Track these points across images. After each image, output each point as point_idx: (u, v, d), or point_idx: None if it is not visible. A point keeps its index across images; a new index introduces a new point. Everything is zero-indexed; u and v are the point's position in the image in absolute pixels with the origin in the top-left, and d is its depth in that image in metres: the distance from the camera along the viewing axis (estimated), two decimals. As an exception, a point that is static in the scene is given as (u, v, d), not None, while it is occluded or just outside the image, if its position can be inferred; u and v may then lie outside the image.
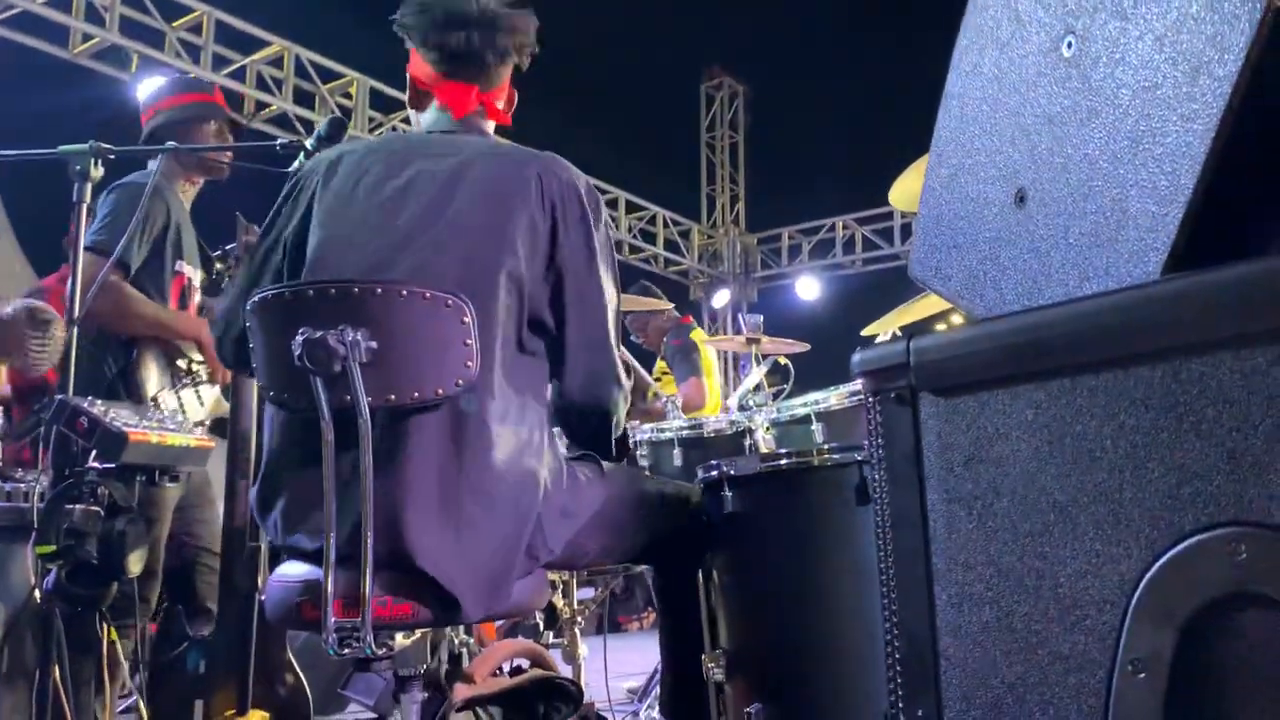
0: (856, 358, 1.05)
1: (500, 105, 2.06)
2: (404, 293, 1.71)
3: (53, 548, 2.25)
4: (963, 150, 1.17)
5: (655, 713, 3.15)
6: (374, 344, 1.68)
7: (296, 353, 1.64)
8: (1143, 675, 0.82)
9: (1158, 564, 0.82)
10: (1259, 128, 0.84)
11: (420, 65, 2.04)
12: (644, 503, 2.04)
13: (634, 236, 11.78)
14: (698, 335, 5.16)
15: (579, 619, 2.74)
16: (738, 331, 3.49)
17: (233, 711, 2.48)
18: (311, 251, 1.85)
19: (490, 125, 2.08)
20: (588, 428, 1.98)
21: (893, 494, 1.01)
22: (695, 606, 2.10)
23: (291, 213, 1.94)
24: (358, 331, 1.66)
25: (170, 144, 2.76)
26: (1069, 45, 1.01)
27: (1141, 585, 0.82)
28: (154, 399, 2.88)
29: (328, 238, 1.85)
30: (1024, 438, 0.91)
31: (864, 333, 3.17)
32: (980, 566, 0.94)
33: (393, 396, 1.71)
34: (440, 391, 1.71)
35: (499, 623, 3.35)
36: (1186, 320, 0.81)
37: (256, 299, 1.78)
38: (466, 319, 1.72)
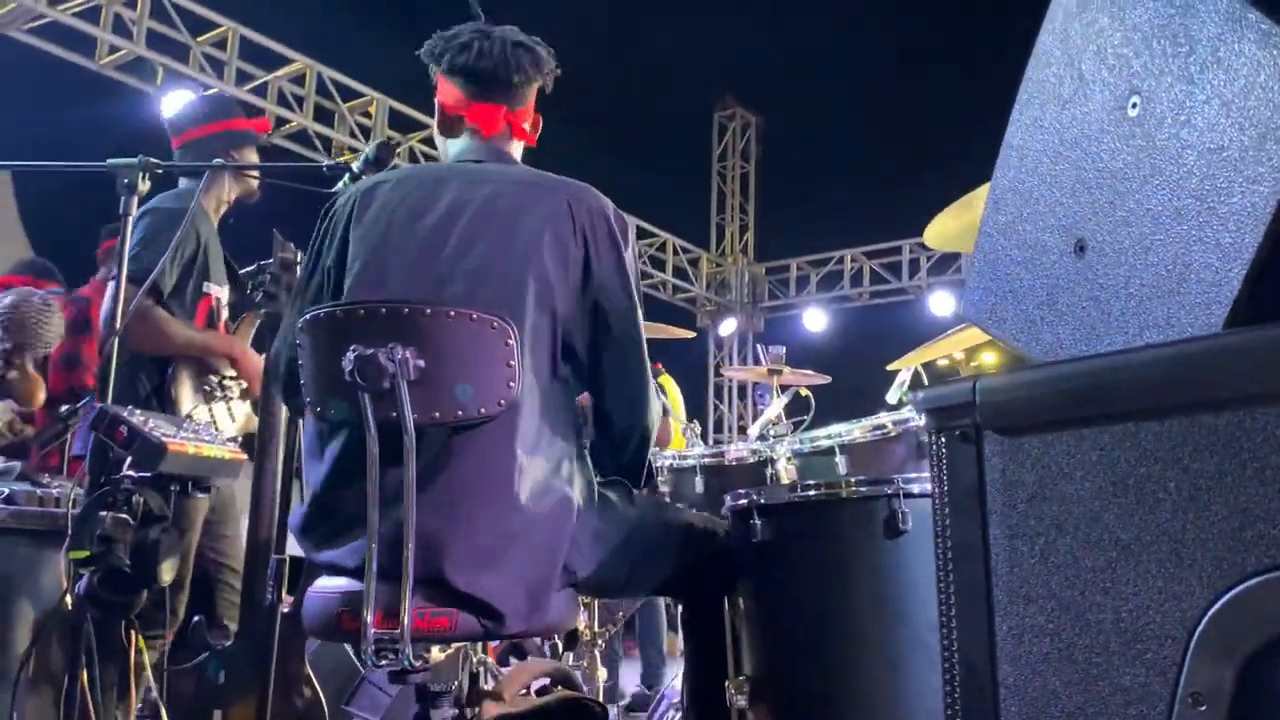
0: (920, 395, 1.10)
1: (526, 127, 2.13)
2: (452, 313, 1.76)
3: (86, 553, 2.28)
4: (1021, 199, 1.22)
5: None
6: (421, 362, 1.73)
7: (348, 368, 1.69)
8: (1203, 708, 0.86)
9: (1220, 601, 0.86)
10: (1323, 192, 0.89)
11: (449, 91, 2.11)
12: (673, 531, 2.07)
13: (643, 263, 11.86)
14: (664, 380, 5.34)
15: (599, 642, 2.77)
16: (756, 361, 3.55)
17: (251, 722, 2.50)
18: (351, 280, 1.91)
19: (517, 147, 2.14)
20: (625, 452, 2.02)
21: (954, 527, 1.05)
22: (721, 638, 2.13)
23: (330, 245, 1.99)
24: (407, 349, 1.72)
25: (217, 160, 2.82)
26: (1134, 105, 1.06)
27: (1204, 621, 0.87)
28: (188, 415, 2.92)
29: (365, 268, 1.91)
30: (1088, 478, 0.95)
31: (889, 367, 3.22)
32: (1041, 600, 0.98)
33: (438, 414, 1.76)
34: (483, 410, 1.76)
35: (495, 644, 3.38)
36: (1252, 371, 0.86)
37: (308, 316, 1.83)
38: (511, 341, 1.77)
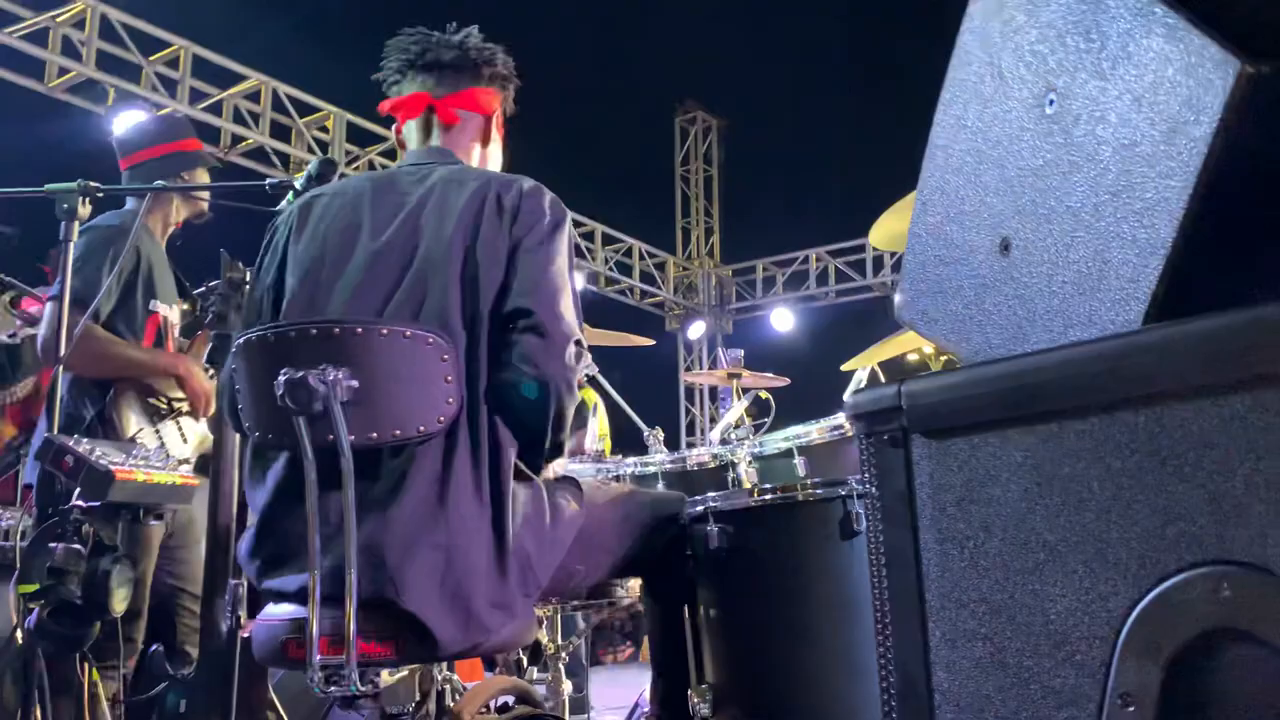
0: (848, 400, 1.09)
1: (460, 113, 2.08)
2: (384, 331, 1.73)
3: (35, 586, 2.24)
4: (948, 199, 1.22)
5: (638, 747, 3.15)
6: (355, 383, 1.70)
7: (279, 392, 1.66)
8: (1132, 709, 0.85)
9: (1145, 601, 0.85)
10: (1234, 184, 0.89)
11: (389, 100, 2.12)
12: (628, 517, 2.06)
13: (610, 268, 11.84)
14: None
15: (563, 655, 2.75)
16: (716, 365, 3.54)
17: (214, 751, 2.45)
18: (286, 300, 1.88)
19: (463, 139, 2.10)
20: (521, 414, 1.83)
21: (886, 532, 1.04)
22: (683, 617, 2.11)
23: (270, 263, 1.97)
24: (339, 371, 1.69)
25: (159, 183, 2.78)
26: (1050, 102, 1.06)
27: (1129, 621, 0.86)
28: (133, 438, 2.87)
29: (300, 287, 1.88)
30: (1014, 479, 0.95)
31: (843, 368, 3.22)
32: (973, 604, 0.97)
33: (375, 434, 1.72)
34: (422, 429, 1.73)
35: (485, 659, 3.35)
36: (1169, 368, 0.86)
37: (240, 341, 1.80)
38: (447, 356, 1.75)
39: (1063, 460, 0.92)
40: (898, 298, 1.30)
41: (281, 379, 1.66)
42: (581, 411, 1.91)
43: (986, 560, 0.96)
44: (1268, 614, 0.78)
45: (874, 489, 1.04)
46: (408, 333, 1.74)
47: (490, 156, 2.16)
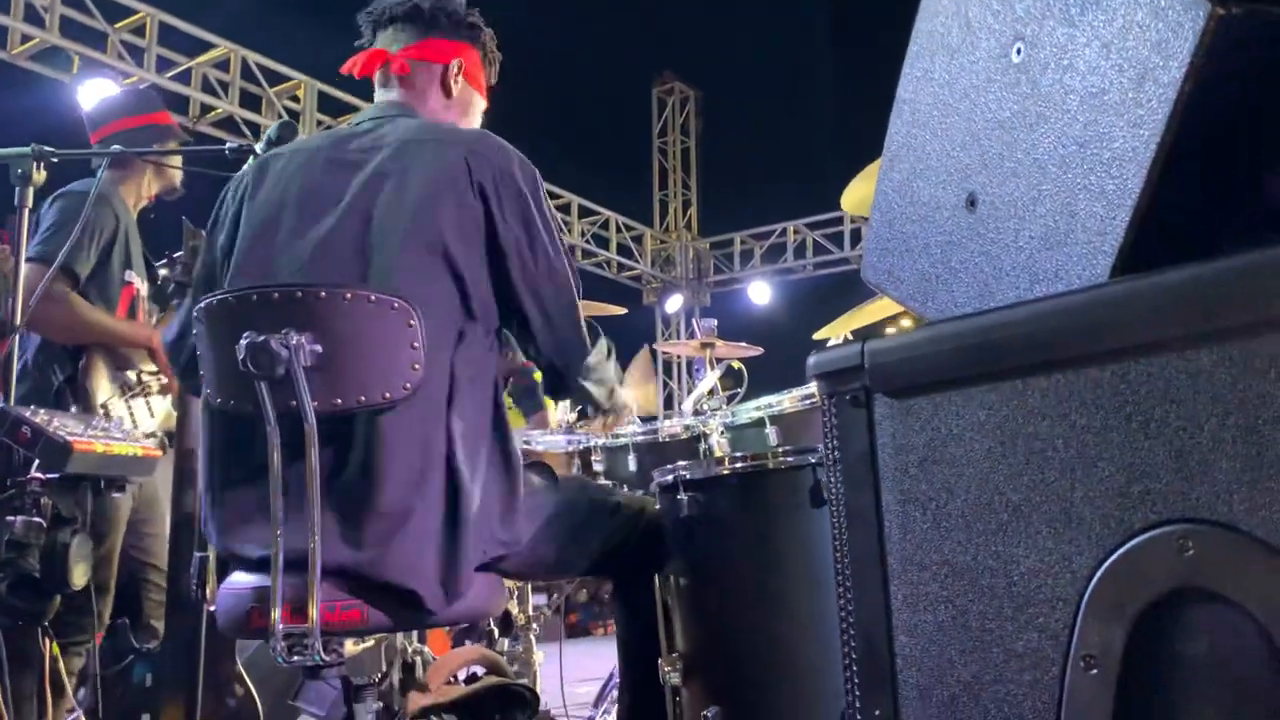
0: (811, 360, 1.06)
1: (414, 63, 2.04)
2: (348, 295, 1.69)
3: (-8, 559, 2.20)
4: (914, 155, 1.18)
5: (612, 718, 3.14)
6: (318, 348, 1.66)
7: (240, 356, 1.62)
8: (1095, 671, 0.83)
9: (1109, 561, 0.83)
10: (1203, 132, 0.86)
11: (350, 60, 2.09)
12: (599, 510, 2.03)
13: (587, 241, 11.79)
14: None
15: (534, 625, 2.73)
16: (691, 336, 3.52)
17: (181, 725, 2.43)
18: (235, 259, 1.83)
19: (423, 90, 2.05)
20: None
21: (848, 495, 1.01)
22: (653, 615, 2.10)
23: (223, 225, 1.92)
24: (302, 335, 1.65)
25: (116, 147, 2.72)
26: (1018, 51, 1.03)
27: (1093, 582, 0.84)
28: (103, 406, 2.82)
29: (252, 249, 1.83)
30: (977, 439, 0.92)
31: (816, 336, 3.20)
32: (935, 566, 0.95)
33: (339, 400, 1.69)
34: (387, 395, 1.70)
35: (450, 630, 3.33)
36: (1134, 322, 0.83)
37: (202, 305, 1.76)
38: (413, 322, 1.71)
39: (1027, 418, 0.89)
40: (864, 258, 1.27)
41: (243, 343, 1.62)
42: (536, 394, 1.94)
43: (949, 522, 0.94)
44: (1233, 572, 0.76)
45: (835, 450, 1.01)
46: (372, 297, 1.70)
47: (457, 107, 2.09)
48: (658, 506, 2.16)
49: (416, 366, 1.71)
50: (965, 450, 0.93)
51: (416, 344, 1.71)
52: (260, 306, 1.69)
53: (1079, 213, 0.95)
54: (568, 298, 1.90)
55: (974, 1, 1.10)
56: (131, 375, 2.92)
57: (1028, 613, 0.88)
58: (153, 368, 2.96)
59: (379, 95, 2.07)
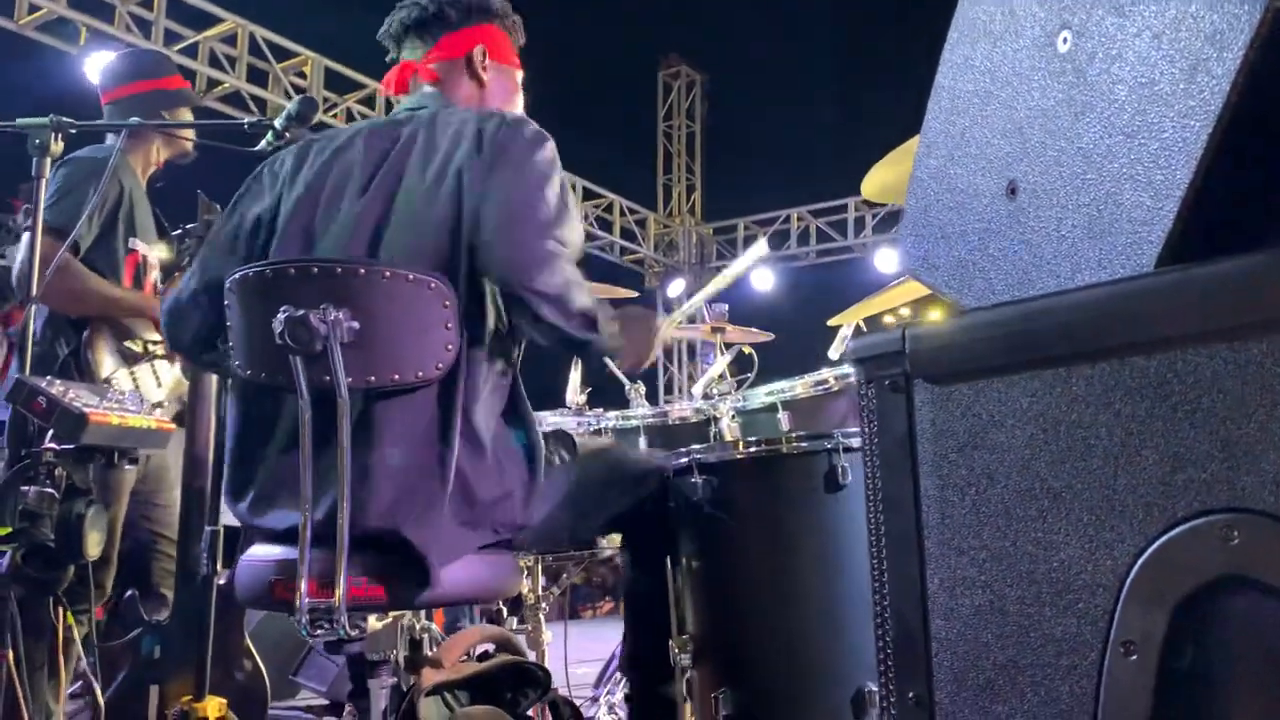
0: (850, 344, 1.06)
1: (438, 66, 2.04)
2: (388, 274, 1.70)
3: (8, 529, 2.20)
4: (952, 142, 1.19)
5: (616, 698, 3.16)
6: (355, 324, 1.66)
7: (278, 330, 1.62)
8: (1134, 657, 0.84)
9: (1151, 548, 0.84)
10: (1255, 125, 0.87)
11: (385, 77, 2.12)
12: (615, 475, 2.05)
13: (590, 224, 11.77)
14: None
15: (543, 605, 2.74)
16: (702, 320, 3.52)
17: (189, 697, 2.44)
18: (278, 239, 1.84)
19: (454, 86, 2.05)
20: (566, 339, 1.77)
21: (885, 479, 1.02)
22: (663, 594, 2.11)
23: (259, 196, 1.92)
24: (340, 311, 1.65)
25: (134, 119, 2.71)
26: (1064, 40, 1.03)
27: (1135, 569, 0.85)
28: (107, 380, 2.82)
29: (288, 224, 1.84)
30: (1019, 425, 0.93)
31: (830, 323, 3.20)
32: (973, 551, 0.95)
33: (373, 378, 1.70)
34: (420, 374, 1.71)
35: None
36: (1183, 311, 0.83)
37: (237, 276, 1.76)
38: (449, 303, 1.71)
39: (1070, 406, 0.90)
40: (899, 244, 1.27)
41: (281, 316, 1.62)
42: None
43: (988, 507, 0.94)
44: (1279, 561, 0.77)
45: (873, 434, 1.02)
46: (410, 276, 1.70)
47: (495, 91, 2.08)
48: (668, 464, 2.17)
49: (450, 347, 1.72)
50: (1007, 437, 0.93)
51: (450, 324, 1.72)
52: (298, 281, 1.69)
53: (1124, 203, 0.95)
54: (563, 260, 1.73)
55: (1019, -11, 1.10)
56: (135, 345, 2.91)
57: (1067, 598, 0.89)
58: (156, 336, 2.96)
59: (415, 94, 2.08)
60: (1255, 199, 0.91)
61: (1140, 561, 0.84)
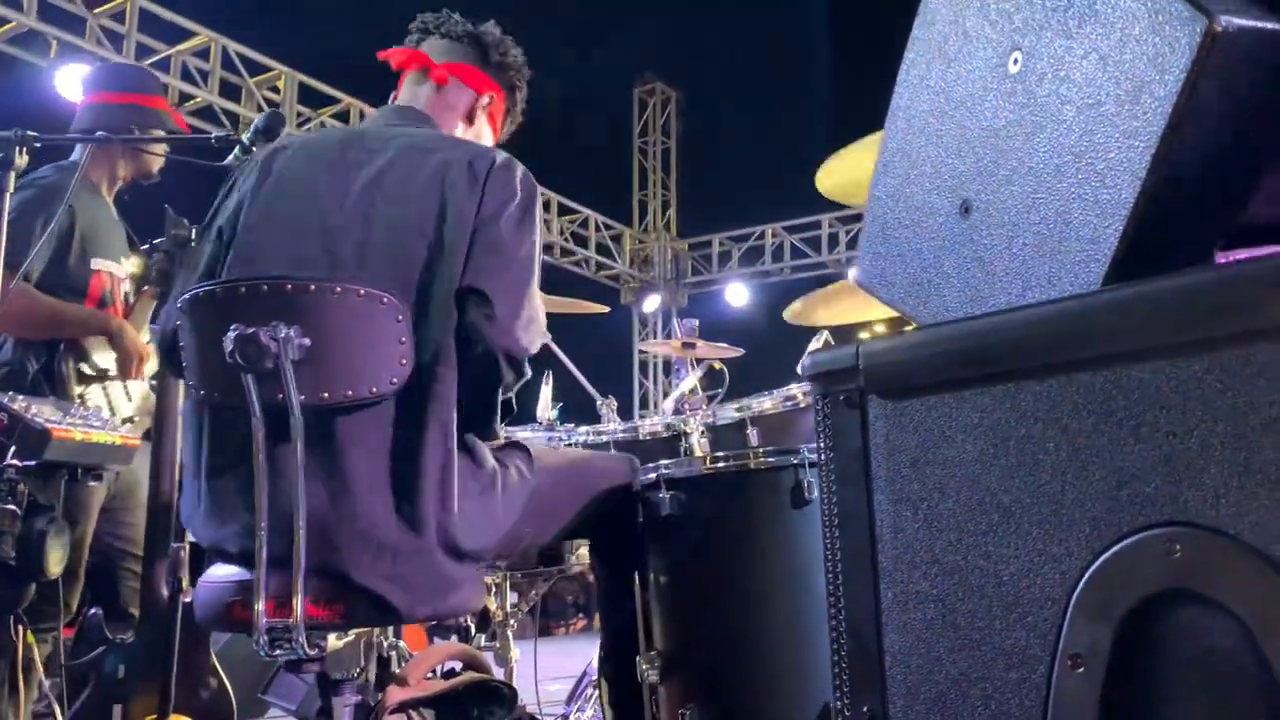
0: (806, 360, 1.07)
1: (453, 79, 2.09)
2: (338, 289, 1.70)
3: (-33, 547, 2.18)
4: (909, 161, 1.20)
5: (585, 714, 3.15)
6: (307, 341, 1.66)
7: (228, 349, 1.62)
8: (1081, 670, 0.85)
9: (1097, 562, 0.85)
10: (1197, 145, 0.88)
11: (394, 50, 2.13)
12: (577, 478, 2.05)
13: (565, 239, 11.78)
14: None
15: (512, 622, 2.73)
16: (670, 336, 3.53)
17: (154, 716, 2.42)
18: (236, 249, 1.83)
19: (450, 107, 2.09)
20: (498, 380, 1.86)
21: (840, 494, 1.03)
22: (633, 610, 2.11)
23: (225, 208, 1.92)
24: (291, 328, 1.64)
25: (100, 133, 2.69)
26: (1015, 61, 1.05)
27: (1081, 582, 0.86)
28: (81, 395, 2.79)
29: (245, 239, 1.83)
30: (969, 440, 0.94)
31: (784, 314, 3.22)
32: (925, 565, 0.96)
33: (326, 395, 1.69)
34: (374, 390, 1.70)
35: (429, 625, 3.32)
36: (1127, 328, 0.85)
37: (188, 296, 1.75)
38: (402, 317, 1.71)
39: (1019, 421, 0.91)
40: (856, 262, 1.28)
41: (231, 335, 1.62)
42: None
43: (940, 522, 0.95)
44: (1219, 575, 0.78)
45: (828, 450, 1.03)
46: (361, 291, 1.70)
47: (471, 136, 2.13)
48: (635, 463, 2.17)
49: (404, 362, 1.72)
50: (957, 452, 0.95)
51: (404, 339, 1.72)
52: (249, 298, 1.69)
53: (1073, 221, 0.96)
54: (525, 287, 1.84)
55: (972, 11, 1.12)
56: (87, 368, 2.88)
57: (1016, 612, 0.90)
58: (110, 355, 2.91)
59: (403, 97, 2.08)
60: (1196, 218, 0.93)
61: (1087, 575, 0.85)
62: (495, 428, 1.91)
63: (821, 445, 1.04)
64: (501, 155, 1.90)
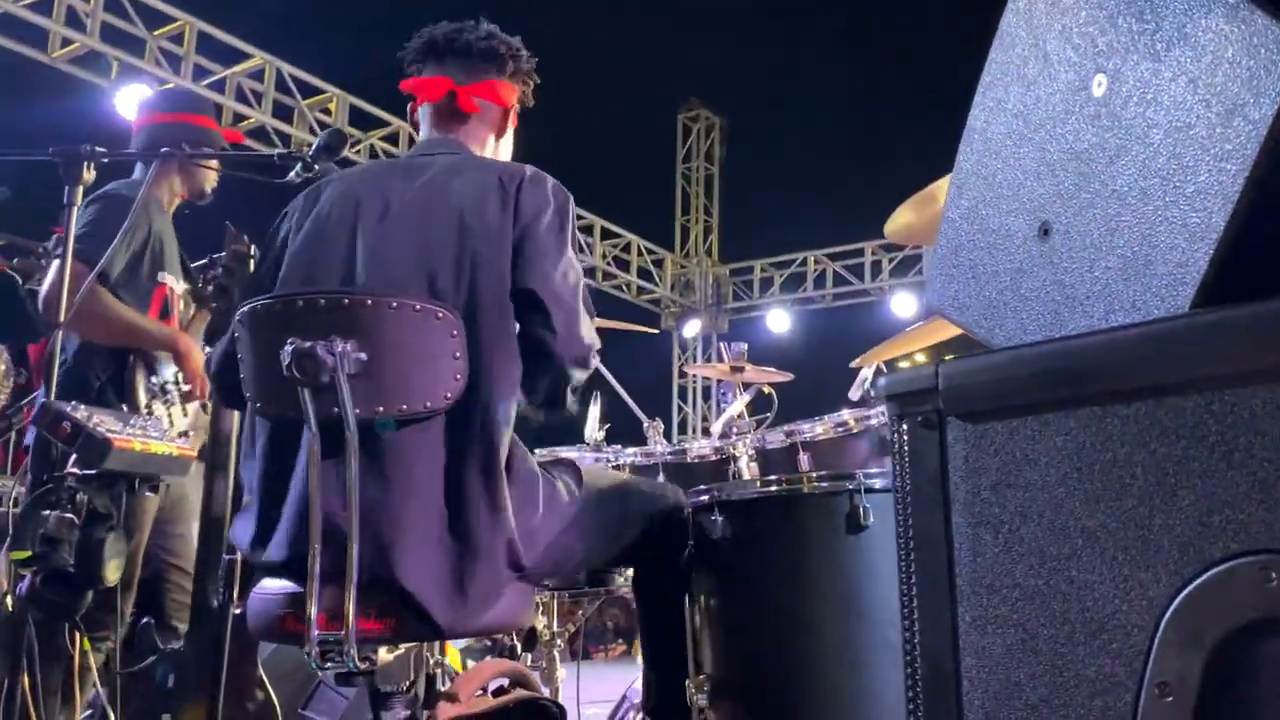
0: (883, 381, 1.07)
1: (479, 101, 2.09)
2: (394, 304, 1.71)
3: (28, 553, 2.21)
4: (984, 183, 1.20)
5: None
6: (363, 355, 1.68)
7: (285, 362, 1.64)
8: (1170, 699, 0.83)
9: (1187, 589, 0.84)
10: (1291, 170, 0.87)
11: (411, 80, 2.13)
12: (627, 501, 2.04)
13: (608, 263, 11.83)
14: None
15: (558, 641, 2.73)
16: (720, 361, 3.53)
17: (202, 727, 2.43)
18: (290, 267, 1.87)
19: (478, 131, 2.10)
20: (560, 393, 1.93)
21: (916, 516, 1.02)
22: (680, 633, 2.09)
23: (279, 237, 1.97)
24: (347, 343, 1.66)
25: (165, 150, 2.75)
26: (1099, 84, 1.04)
27: (1170, 610, 0.84)
28: (148, 407, 2.84)
29: (298, 257, 1.88)
30: (1053, 464, 0.93)
31: (852, 365, 3.21)
32: (1005, 589, 0.95)
33: (381, 409, 1.70)
34: (429, 405, 1.72)
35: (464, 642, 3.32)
36: (1221, 352, 0.84)
37: (246, 309, 1.78)
38: (456, 333, 1.73)
39: (1105, 445, 0.90)
40: (928, 284, 1.28)
41: (289, 349, 1.64)
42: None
43: (1021, 546, 0.94)
44: (1318, 604, 0.77)
45: (905, 470, 1.02)
46: (418, 306, 1.72)
47: (502, 149, 2.17)
48: (679, 492, 2.16)
49: (458, 377, 1.73)
50: (1040, 475, 0.94)
51: (459, 354, 1.73)
52: (306, 312, 1.71)
53: (1159, 245, 0.96)
54: (574, 305, 1.88)
55: (1053, 35, 1.11)
56: (156, 381, 2.93)
57: (1101, 638, 0.88)
58: (174, 371, 2.96)
59: (431, 122, 2.10)
60: (1292, 243, 0.92)
61: (1176, 602, 0.84)
62: (568, 405, 1.94)
63: (897, 465, 1.04)
64: (530, 169, 1.93)
